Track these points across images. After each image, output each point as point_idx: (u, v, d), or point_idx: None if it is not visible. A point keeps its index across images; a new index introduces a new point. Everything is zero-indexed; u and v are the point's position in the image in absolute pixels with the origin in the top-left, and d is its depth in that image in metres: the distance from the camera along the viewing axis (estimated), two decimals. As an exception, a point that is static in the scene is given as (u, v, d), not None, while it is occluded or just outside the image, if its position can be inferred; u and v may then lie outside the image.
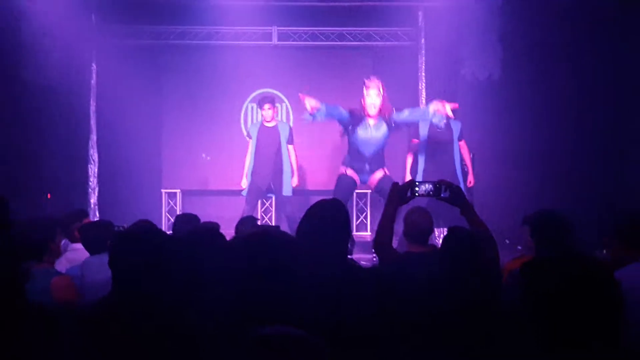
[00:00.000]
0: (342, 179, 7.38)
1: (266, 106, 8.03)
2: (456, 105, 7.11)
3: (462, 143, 7.72)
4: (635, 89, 7.81)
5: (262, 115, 8.18)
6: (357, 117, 7.16)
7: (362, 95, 7.14)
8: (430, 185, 3.26)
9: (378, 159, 7.35)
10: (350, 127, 7.17)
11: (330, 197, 7.00)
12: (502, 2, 8.12)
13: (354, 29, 9.72)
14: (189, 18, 9.38)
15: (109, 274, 2.54)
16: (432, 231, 4.20)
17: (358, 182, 7.43)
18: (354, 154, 7.31)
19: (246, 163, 8.20)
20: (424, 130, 7.72)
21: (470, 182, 7.73)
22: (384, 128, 7.15)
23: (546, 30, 8.15)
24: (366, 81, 7.13)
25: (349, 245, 7.18)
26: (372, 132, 7.13)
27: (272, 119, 8.13)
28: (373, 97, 7.03)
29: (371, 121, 7.15)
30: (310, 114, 6.89)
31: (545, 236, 3.82)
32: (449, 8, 8.57)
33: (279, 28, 9.74)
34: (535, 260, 2.14)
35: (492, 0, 8.13)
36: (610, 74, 8.14)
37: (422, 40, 9.10)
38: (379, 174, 7.35)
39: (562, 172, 8.11)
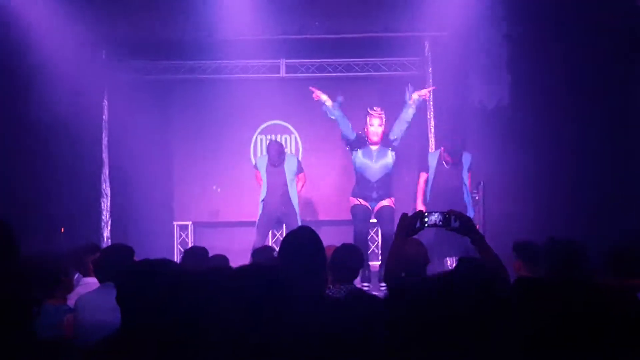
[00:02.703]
0: (356, 208, 7.50)
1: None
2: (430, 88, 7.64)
3: (468, 175, 7.77)
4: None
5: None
6: (361, 141, 7.39)
7: (365, 123, 7.38)
8: (440, 216, 3.25)
9: (385, 187, 7.44)
10: (353, 151, 7.35)
11: (346, 231, 7.09)
12: (507, 30, 8.16)
13: (361, 59, 9.80)
14: (197, 53, 9.49)
15: (102, 315, 2.53)
16: (427, 262, 4.19)
17: (370, 209, 7.49)
18: (360, 182, 7.46)
19: (261, 194, 8.21)
20: (432, 162, 7.76)
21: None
22: (388, 154, 7.30)
23: (553, 57, 8.18)
24: (370, 111, 7.38)
25: (366, 272, 7.22)
26: (375, 157, 7.30)
27: None
28: (375, 126, 7.33)
29: (374, 147, 7.38)
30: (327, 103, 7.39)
31: (555, 262, 3.82)
32: (454, 37, 8.63)
33: (286, 60, 9.83)
34: (528, 280, 2.17)
35: (497, 28, 8.18)
36: (619, 100, 8.14)
37: (429, 70, 9.15)
38: (384, 203, 7.42)
39: (573, 199, 8.07)
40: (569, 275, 3.68)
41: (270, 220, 8.25)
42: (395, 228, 3.40)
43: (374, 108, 7.40)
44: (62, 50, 8.12)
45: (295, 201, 8.10)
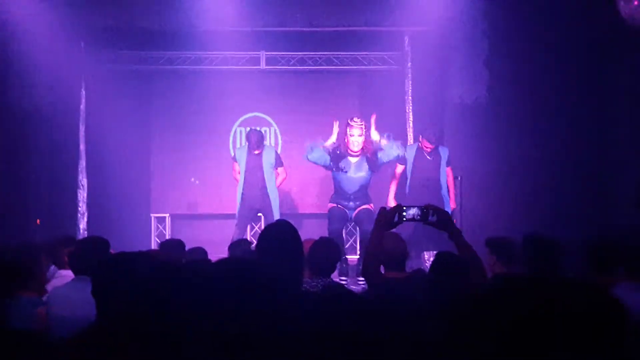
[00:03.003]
0: (332, 210, 7.55)
1: (256, 151, 8.11)
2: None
3: (449, 170, 7.80)
4: (624, 110, 7.88)
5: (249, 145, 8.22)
6: (338, 155, 7.40)
7: (345, 133, 7.39)
8: (418, 210, 3.26)
9: (362, 196, 7.51)
10: (333, 167, 7.36)
11: (325, 225, 7.14)
12: (486, 26, 8.20)
13: (341, 53, 9.80)
14: (177, 43, 9.42)
15: (75, 309, 2.51)
16: (407, 256, 4.21)
17: (348, 213, 7.54)
18: (338, 191, 7.56)
19: (238, 188, 8.19)
20: (410, 154, 7.79)
21: (452, 206, 7.79)
22: (365, 167, 7.34)
23: (531, 53, 8.23)
24: (349, 122, 7.38)
25: (343, 265, 7.24)
26: (353, 171, 7.34)
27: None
28: (356, 136, 7.32)
29: (353, 159, 7.44)
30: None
31: (533, 259, 3.85)
32: (434, 33, 8.65)
33: (266, 53, 9.80)
34: (506, 276, 2.19)
35: (477, 24, 8.21)
36: (597, 95, 8.22)
37: (409, 65, 9.16)
38: (362, 207, 7.47)
39: (550, 194, 8.15)
40: (545, 272, 3.71)
41: (249, 214, 8.27)
42: (372, 225, 3.41)
43: (354, 119, 7.41)
44: (40, 40, 8.02)
45: (273, 194, 8.10)
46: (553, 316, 1.95)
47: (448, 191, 7.79)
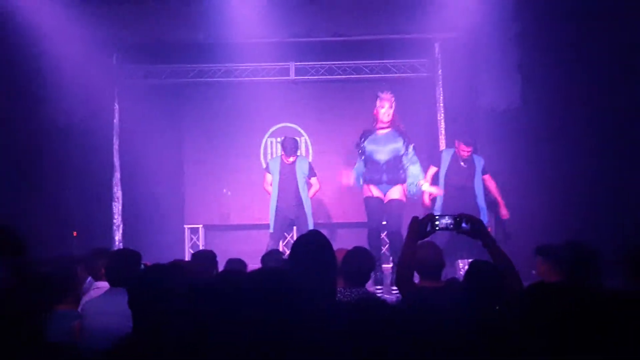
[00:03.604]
0: (368, 202, 7.52)
1: (291, 159, 8.09)
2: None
3: (487, 177, 7.76)
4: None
5: (284, 155, 8.17)
6: (368, 132, 7.60)
7: (374, 107, 7.58)
8: (450, 219, 3.24)
9: (395, 170, 7.45)
10: (363, 144, 7.44)
11: (366, 225, 7.15)
12: (518, 31, 8.11)
13: (371, 62, 9.79)
14: (207, 56, 9.51)
15: (109, 320, 2.53)
16: (443, 265, 4.17)
17: (383, 197, 7.49)
18: (370, 166, 7.54)
19: (272, 199, 8.15)
20: (446, 159, 7.78)
21: (504, 215, 7.77)
22: (398, 139, 7.38)
23: (564, 57, 8.12)
24: (379, 94, 7.56)
25: (378, 275, 7.22)
26: (384, 142, 7.38)
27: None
28: (386, 108, 7.50)
29: (382, 132, 7.55)
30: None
31: (572, 268, 3.78)
32: (465, 39, 8.60)
33: (296, 63, 9.84)
34: (542, 284, 2.17)
35: (507, 30, 8.13)
36: (634, 99, 8.08)
37: (439, 72, 9.13)
38: (394, 192, 7.42)
39: (586, 201, 8.01)
40: (586, 280, 3.64)
41: (283, 224, 8.23)
42: (402, 224, 3.40)
43: (383, 92, 7.57)
44: (73, 55, 8.16)
45: (307, 204, 8.08)
46: (592, 325, 1.92)
47: (485, 200, 7.75)
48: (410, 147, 7.51)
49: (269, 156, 10.32)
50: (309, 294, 2.56)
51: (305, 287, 2.58)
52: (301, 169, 8.11)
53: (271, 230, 8.11)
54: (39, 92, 8.25)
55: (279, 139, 10.35)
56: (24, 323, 2.42)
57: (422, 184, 7.52)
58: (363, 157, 7.64)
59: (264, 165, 9.85)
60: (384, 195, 7.50)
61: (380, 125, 7.53)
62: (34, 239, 3.90)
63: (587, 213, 7.92)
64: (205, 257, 4.86)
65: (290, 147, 8.06)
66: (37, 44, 7.94)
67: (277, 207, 8.09)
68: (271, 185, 8.18)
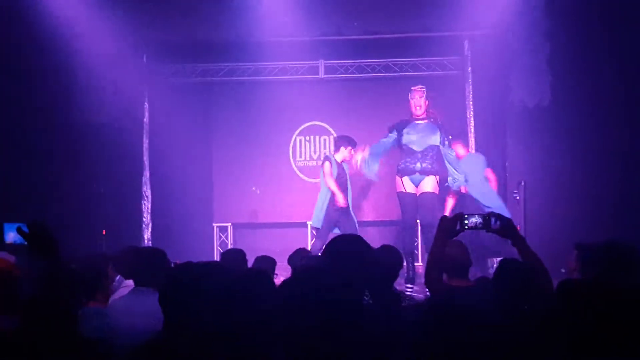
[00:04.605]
0: (402, 197, 7.51)
1: (352, 150, 7.98)
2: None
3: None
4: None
5: (346, 154, 7.97)
6: (404, 122, 7.72)
7: (408, 102, 7.76)
8: (480, 218, 3.22)
9: (430, 159, 7.44)
10: (399, 135, 7.49)
11: (385, 234, 7.11)
12: (548, 27, 8.03)
13: (400, 60, 9.75)
14: (237, 55, 9.55)
15: (134, 320, 2.54)
16: (470, 264, 4.13)
17: (417, 191, 7.46)
18: (406, 153, 7.59)
19: (338, 197, 7.78)
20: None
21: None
22: (435, 130, 7.43)
23: (595, 53, 8.02)
24: (412, 88, 7.77)
25: (410, 273, 7.18)
26: (422, 130, 7.45)
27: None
28: (417, 99, 7.68)
29: (420, 122, 7.67)
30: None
31: (611, 266, 3.72)
32: (494, 36, 8.54)
33: (325, 62, 9.84)
34: (573, 282, 2.15)
35: (537, 26, 8.05)
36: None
37: (469, 69, 9.08)
38: (427, 185, 7.41)
39: (616, 198, 7.91)
40: (622, 279, 3.58)
41: (331, 224, 7.93)
42: (436, 217, 3.39)
43: (415, 85, 7.81)
44: (103, 54, 8.27)
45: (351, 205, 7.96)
46: (622, 322, 1.90)
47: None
48: (446, 141, 7.59)
49: (297, 155, 10.35)
50: (339, 295, 2.55)
51: (335, 289, 2.58)
52: (348, 171, 8.00)
53: (322, 230, 7.92)
54: (70, 91, 8.35)
55: (307, 138, 10.38)
56: (58, 320, 2.45)
57: (462, 184, 7.65)
58: (398, 145, 7.66)
59: (294, 165, 9.95)
60: (417, 188, 7.48)
61: (415, 116, 7.58)
62: (65, 237, 3.94)
63: (619, 211, 7.82)
64: (234, 256, 4.88)
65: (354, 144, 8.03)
66: (69, 43, 8.04)
67: (328, 205, 7.86)
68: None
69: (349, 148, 7.95)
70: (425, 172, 7.44)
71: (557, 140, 8.22)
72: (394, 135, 7.68)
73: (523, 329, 2.75)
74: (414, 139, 7.53)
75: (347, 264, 2.87)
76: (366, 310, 2.68)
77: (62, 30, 7.91)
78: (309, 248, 9.26)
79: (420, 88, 7.69)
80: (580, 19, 8.01)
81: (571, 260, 4.00)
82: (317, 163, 10.25)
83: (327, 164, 7.87)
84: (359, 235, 3.19)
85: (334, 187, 7.70)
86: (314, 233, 9.91)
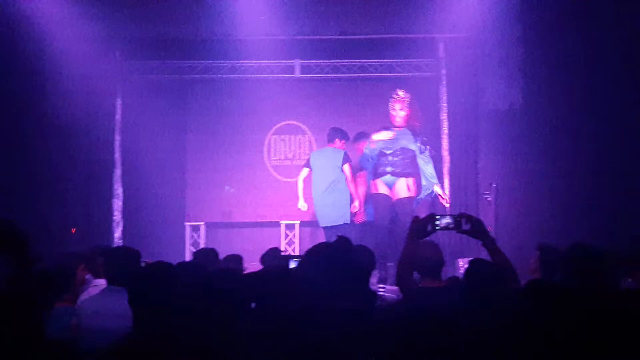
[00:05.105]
0: (375, 198, 7.55)
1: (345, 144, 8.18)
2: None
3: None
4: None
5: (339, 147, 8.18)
6: (384, 129, 7.68)
7: (387, 104, 7.71)
8: (451, 219, 3.25)
9: (403, 163, 7.46)
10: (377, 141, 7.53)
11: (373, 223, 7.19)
12: (521, 32, 8.12)
13: (376, 61, 9.77)
14: (212, 53, 9.50)
15: (105, 320, 2.52)
16: (443, 264, 4.16)
17: (392, 195, 7.50)
18: (378, 158, 7.61)
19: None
20: None
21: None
22: (410, 138, 7.43)
23: (567, 58, 8.12)
24: (393, 95, 7.64)
25: (382, 273, 7.19)
26: (396, 135, 7.44)
27: None
28: (397, 110, 7.58)
29: (397, 129, 7.62)
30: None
31: (577, 268, 3.77)
32: (469, 39, 8.62)
33: (301, 61, 9.82)
34: (541, 282, 2.18)
35: (511, 31, 8.15)
36: (637, 100, 8.07)
37: (443, 71, 9.13)
38: (401, 189, 7.43)
39: (586, 202, 8.01)
40: (587, 281, 3.63)
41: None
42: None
43: (397, 92, 7.62)
44: (76, 51, 8.18)
45: None
46: (593, 323, 1.92)
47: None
48: (426, 150, 7.58)
49: (272, 154, 10.34)
50: (312, 296, 2.55)
51: (308, 290, 2.58)
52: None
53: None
54: (41, 88, 8.26)
55: (282, 137, 10.38)
56: (24, 319, 2.42)
57: (437, 190, 7.63)
58: (374, 153, 7.67)
59: (268, 164, 9.95)
60: (391, 191, 7.51)
61: (395, 125, 7.59)
62: (34, 236, 3.89)
63: (587, 213, 7.92)
64: (206, 255, 4.86)
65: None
66: (40, 40, 7.95)
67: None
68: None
69: (343, 141, 8.13)
70: (396, 174, 7.47)
71: (528, 143, 8.31)
72: (373, 153, 7.72)
73: (491, 329, 2.77)
74: (386, 142, 7.56)
75: (321, 265, 2.87)
76: (337, 310, 2.68)
77: (33, 27, 7.81)
78: (282, 247, 9.30)
79: (401, 98, 7.54)
80: (553, 24, 8.11)
81: (533, 261, 4.07)
82: (291, 162, 10.26)
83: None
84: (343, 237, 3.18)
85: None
86: (288, 233, 9.94)
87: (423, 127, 7.80)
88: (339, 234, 3.17)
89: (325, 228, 8.02)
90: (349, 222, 7.91)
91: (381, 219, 7.55)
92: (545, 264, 4.22)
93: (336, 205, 7.91)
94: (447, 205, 7.80)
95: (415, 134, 7.58)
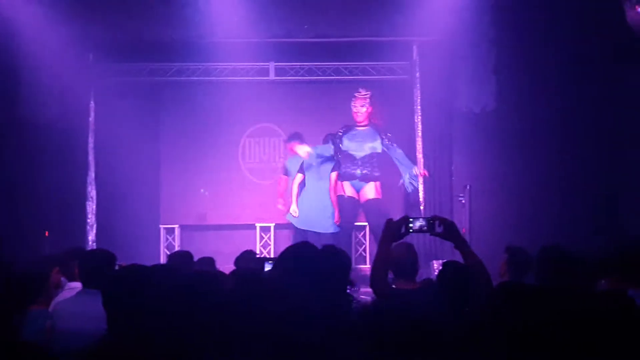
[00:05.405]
0: (341, 200, 7.56)
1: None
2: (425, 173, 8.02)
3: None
4: (637, 117, 7.85)
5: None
6: (348, 127, 7.91)
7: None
8: (424, 222, 3.28)
9: (370, 166, 7.53)
10: (340, 142, 7.54)
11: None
12: (494, 35, 8.22)
13: (350, 63, 9.79)
14: (186, 55, 9.46)
15: (80, 322, 2.51)
16: (418, 267, 4.19)
17: (358, 196, 7.55)
18: (345, 161, 7.61)
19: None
20: None
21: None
22: (375, 135, 7.51)
23: (539, 61, 8.24)
24: (355, 94, 7.98)
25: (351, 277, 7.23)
26: (363, 137, 7.53)
27: None
28: (358, 107, 7.90)
29: (360, 128, 7.87)
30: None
31: (547, 271, 3.82)
32: (442, 42, 8.67)
33: (275, 64, 9.81)
34: (512, 284, 2.21)
35: (484, 34, 8.24)
36: (607, 104, 8.20)
37: (417, 74, 9.17)
38: (369, 191, 7.49)
39: (558, 204, 8.13)
40: (558, 282, 3.69)
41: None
42: (383, 220, 3.43)
43: (359, 90, 7.93)
44: (49, 53, 8.10)
45: None
46: (563, 323, 1.96)
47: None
48: (392, 145, 7.67)
49: (247, 156, 10.33)
50: (284, 298, 2.57)
51: (281, 291, 2.59)
52: None
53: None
54: (13, 90, 8.18)
55: (257, 139, 10.37)
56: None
57: (415, 171, 7.70)
58: (338, 154, 7.71)
59: (243, 167, 9.93)
60: (358, 194, 7.57)
61: (357, 122, 7.67)
62: (6, 238, 3.87)
63: (559, 215, 8.03)
64: (181, 258, 4.86)
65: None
66: (11, 42, 7.87)
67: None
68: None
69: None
70: (365, 179, 7.56)
71: (502, 145, 8.42)
72: (330, 147, 7.77)
73: (463, 330, 2.81)
74: (353, 145, 7.62)
75: (295, 267, 2.89)
76: (310, 312, 2.70)
77: (5, 29, 7.74)
78: (257, 250, 9.29)
79: (363, 95, 7.76)
80: (526, 27, 8.23)
81: (502, 264, 4.12)
82: (266, 165, 10.27)
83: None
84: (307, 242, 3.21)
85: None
86: (263, 236, 9.94)
87: (385, 126, 7.87)
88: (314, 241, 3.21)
89: (301, 230, 8.04)
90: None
91: (345, 222, 7.60)
92: (514, 265, 4.28)
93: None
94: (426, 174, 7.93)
95: (378, 132, 7.68)
